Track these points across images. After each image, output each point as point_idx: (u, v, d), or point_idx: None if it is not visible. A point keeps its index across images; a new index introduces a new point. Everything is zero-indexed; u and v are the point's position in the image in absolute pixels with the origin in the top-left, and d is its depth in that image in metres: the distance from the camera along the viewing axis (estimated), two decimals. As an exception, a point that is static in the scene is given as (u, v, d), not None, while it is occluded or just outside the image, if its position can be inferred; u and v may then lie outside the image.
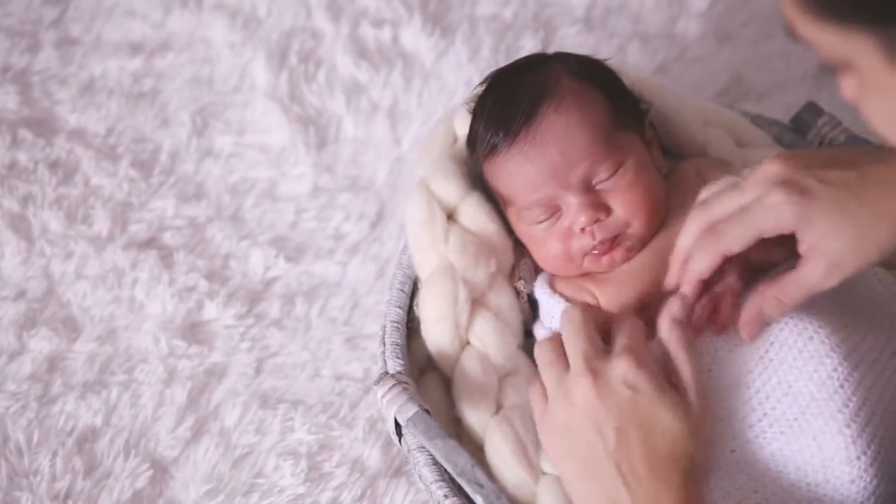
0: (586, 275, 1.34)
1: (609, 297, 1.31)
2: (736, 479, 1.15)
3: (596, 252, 1.31)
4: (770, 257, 1.23)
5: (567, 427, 1.15)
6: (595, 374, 1.14)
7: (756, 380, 1.18)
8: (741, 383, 1.18)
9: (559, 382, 1.17)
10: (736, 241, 1.17)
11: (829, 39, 0.84)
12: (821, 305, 1.20)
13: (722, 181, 1.23)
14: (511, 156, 1.32)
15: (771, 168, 1.17)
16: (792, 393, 1.16)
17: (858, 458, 1.12)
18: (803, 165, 1.17)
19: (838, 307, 1.21)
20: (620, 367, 1.13)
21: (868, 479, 1.12)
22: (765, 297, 1.18)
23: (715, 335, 1.21)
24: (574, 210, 1.30)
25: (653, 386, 1.12)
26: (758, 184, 1.17)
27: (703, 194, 1.23)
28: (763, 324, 1.19)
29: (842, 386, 1.14)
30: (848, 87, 0.89)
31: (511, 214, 1.37)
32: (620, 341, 1.16)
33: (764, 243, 1.18)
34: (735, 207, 1.18)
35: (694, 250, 1.20)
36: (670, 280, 1.23)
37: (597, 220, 1.30)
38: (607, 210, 1.30)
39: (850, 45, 0.83)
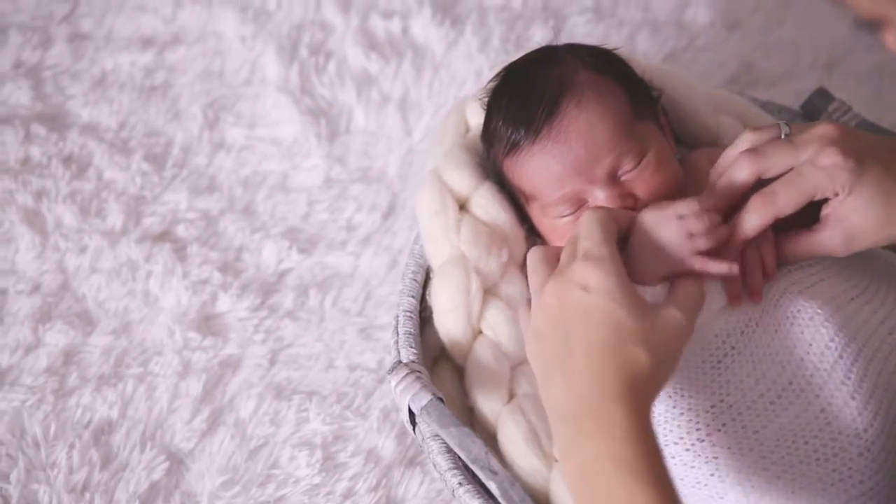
0: None
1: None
2: (747, 456, 1.16)
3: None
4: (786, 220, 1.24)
5: (537, 330, 1.15)
6: (560, 277, 1.13)
7: (753, 352, 1.19)
8: (744, 355, 1.19)
9: (538, 288, 1.17)
10: (789, 203, 1.18)
11: (864, 1, 0.86)
12: (812, 278, 1.22)
13: (768, 128, 1.25)
14: (534, 153, 1.32)
15: (825, 128, 1.19)
16: (793, 362, 1.16)
17: (866, 430, 1.13)
18: (855, 134, 1.19)
19: (829, 280, 1.22)
20: (577, 270, 1.12)
21: (876, 452, 1.13)
22: (780, 246, 1.22)
23: (754, 302, 1.22)
24: (602, 203, 1.30)
25: (607, 283, 1.10)
26: (812, 141, 1.19)
27: (749, 136, 1.25)
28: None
29: (840, 356, 1.16)
30: (892, 40, 0.91)
31: (534, 209, 1.37)
32: (580, 244, 1.15)
33: None
34: (788, 165, 1.19)
35: (746, 211, 1.20)
36: (708, 200, 1.23)
37: None
38: (634, 200, 1.31)
39: (882, 4, 0.85)
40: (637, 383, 1.07)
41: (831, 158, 1.16)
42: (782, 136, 1.23)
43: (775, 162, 1.20)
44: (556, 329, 1.12)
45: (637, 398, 1.06)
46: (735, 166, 1.22)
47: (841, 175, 1.16)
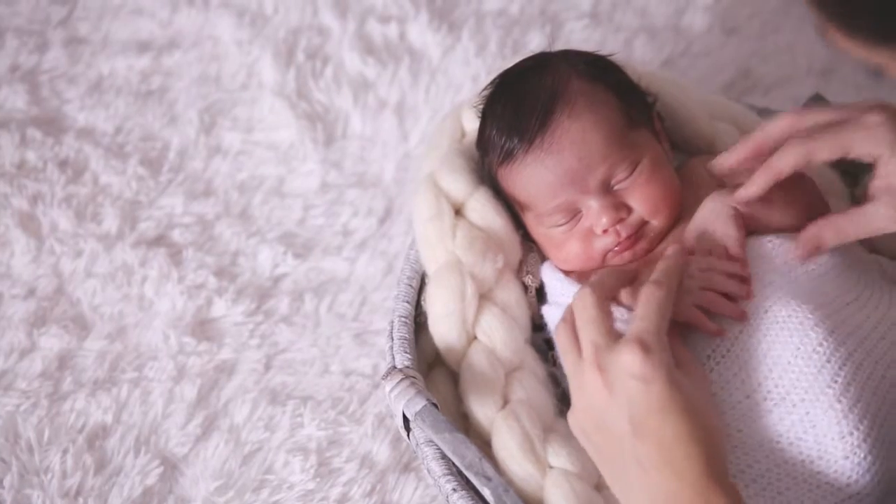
0: None
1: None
2: (730, 453, 1.16)
3: (618, 248, 1.31)
4: (770, 220, 1.24)
5: (587, 422, 1.11)
6: (603, 370, 1.08)
7: (742, 353, 1.18)
8: (731, 356, 1.19)
9: (575, 372, 1.12)
10: (824, 149, 1.16)
11: (861, 52, 0.88)
12: (805, 283, 1.21)
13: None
14: (527, 163, 1.32)
15: (869, 102, 1.18)
16: (780, 365, 1.16)
17: (851, 433, 1.13)
18: None
19: (825, 286, 1.22)
20: (626, 360, 1.05)
21: (862, 456, 1.13)
22: (827, 223, 1.19)
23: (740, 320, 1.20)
24: (595, 213, 1.30)
25: (665, 372, 1.05)
26: (856, 106, 1.18)
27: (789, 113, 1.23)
28: (818, 249, 1.20)
29: (829, 360, 1.15)
30: None
31: (529, 219, 1.37)
32: (632, 326, 1.09)
33: (768, 203, 1.21)
34: (830, 120, 1.18)
35: (780, 151, 1.18)
36: (729, 159, 1.24)
37: (619, 221, 1.30)
38: (628, 209, 1.31)
39: (880, 56, 0.86)
40: (721, 452, 1.05)
41: (873, 118, 1.14)
42: None
43: (817, 121, 1.18)
44: (611, 423, 1.07)
45: (724, 465, 1.05)
46: (774, 120, 1.21)
47: (883, 134, 1.13)
